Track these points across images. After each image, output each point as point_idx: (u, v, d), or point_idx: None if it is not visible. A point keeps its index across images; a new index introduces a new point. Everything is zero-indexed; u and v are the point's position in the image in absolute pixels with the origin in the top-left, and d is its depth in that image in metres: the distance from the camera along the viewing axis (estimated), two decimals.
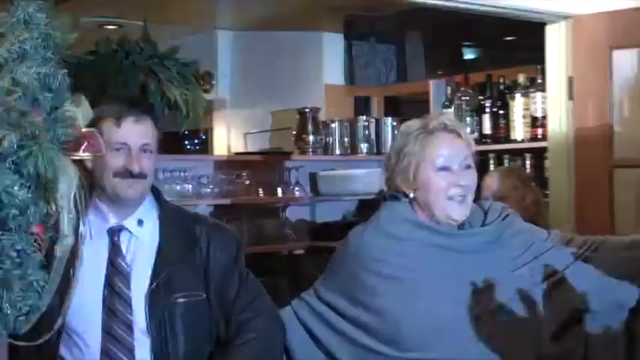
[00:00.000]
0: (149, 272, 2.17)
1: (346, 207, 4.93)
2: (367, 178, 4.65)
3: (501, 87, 4.53)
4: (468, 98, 4.58)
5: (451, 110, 4.50)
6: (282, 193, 4.65)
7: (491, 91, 4.56)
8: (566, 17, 3.70)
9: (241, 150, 5.80)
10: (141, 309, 2.14)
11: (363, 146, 5.01)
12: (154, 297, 2.14)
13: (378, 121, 5.08)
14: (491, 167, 4.24)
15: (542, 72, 4.05)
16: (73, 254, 1.67)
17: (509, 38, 5.36)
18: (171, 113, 3.96)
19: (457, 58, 5.71)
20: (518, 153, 4.35)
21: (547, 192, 3.80)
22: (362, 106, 5.45)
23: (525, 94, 4.31)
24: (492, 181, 3.27)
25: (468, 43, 5.72)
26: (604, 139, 3.62)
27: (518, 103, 4.34)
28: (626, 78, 3.85)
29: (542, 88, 4.10)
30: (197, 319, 2.18)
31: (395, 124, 5.05)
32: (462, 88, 4.63)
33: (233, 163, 4.64)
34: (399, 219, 2.08)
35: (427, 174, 2.05)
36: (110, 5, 5.03)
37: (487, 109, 4.52)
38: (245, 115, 6.06)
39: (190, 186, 4.27)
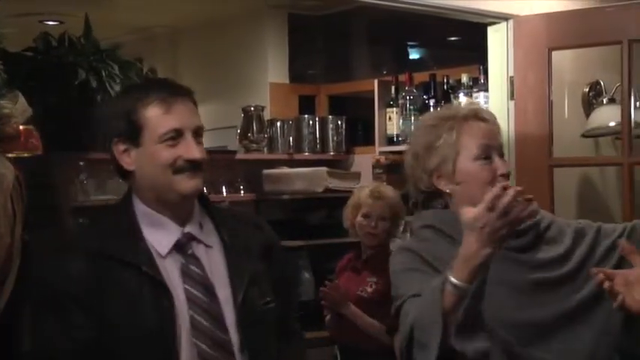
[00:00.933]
0: (227, 282, 1.87)
1: (290, 205, 4.93)
2: (311, 177, 4.66)
3: (445, 86, 4.57)
4: (412, 97, 4.61)
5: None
6: (227, 191, 4.63)
7: (435, 90, 4.60)
8: (506, 18, 3.75)
9: None
10: (232, 325, 1.84)
11: (308, 145, 5.02)
12: (243, 309, 1.86)
13: (322, 120, 5.09)
14: None
15: (485, 72, 4.10)
16: (9, 254, 1.65)
17: (453, 38, 5.41)
18: None
19: (402, 57, 5.74)
20: None
21: None
22: (306, 104, 5.45)
23: (469, 94, 4.35)
24: None
25: (412, 43, 5.75)
26: (543, 138, 3.68)
27: (462, 102, 4.38)
28: (564, 78, 3.92)
29: (484, 87, 4.15)
30: (275, 326, 1.94)
31: (339, 122, 5.07)
32: (407, 88, 4.65)
33: None
34: (448, 219, 1.91)
35: (467, 165, 1.91)
36: (51, 1, 4.96)
37: (431, 109, 4.55)
38: None
39: None
